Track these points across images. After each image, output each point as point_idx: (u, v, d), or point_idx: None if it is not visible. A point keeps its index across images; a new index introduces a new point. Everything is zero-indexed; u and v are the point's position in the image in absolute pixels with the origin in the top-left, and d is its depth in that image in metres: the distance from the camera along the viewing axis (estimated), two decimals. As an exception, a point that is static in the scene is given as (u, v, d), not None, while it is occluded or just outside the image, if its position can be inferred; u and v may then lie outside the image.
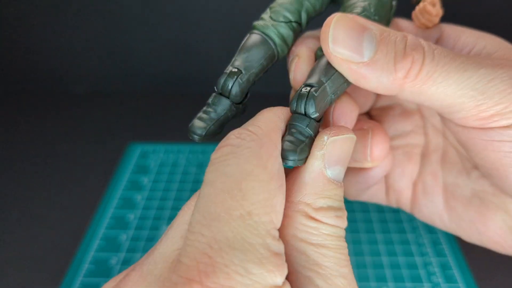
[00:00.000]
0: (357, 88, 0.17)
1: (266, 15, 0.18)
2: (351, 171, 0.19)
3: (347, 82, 0.16)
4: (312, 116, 0.15)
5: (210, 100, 0.16)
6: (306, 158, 0.15)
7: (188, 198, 0.22)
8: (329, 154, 0.14)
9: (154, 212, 0.36)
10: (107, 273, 0.30)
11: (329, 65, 0.15)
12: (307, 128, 0.15)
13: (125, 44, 0.52)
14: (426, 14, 0.18)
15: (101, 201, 0.37)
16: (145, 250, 0.32)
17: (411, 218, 0.35)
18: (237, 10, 0.49)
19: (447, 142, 0.20)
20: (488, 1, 0.47)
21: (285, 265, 0.12)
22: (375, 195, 0.22)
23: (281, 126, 0.15)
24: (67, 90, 0.56)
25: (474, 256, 0.32)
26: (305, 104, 0.15)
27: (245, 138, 0.13)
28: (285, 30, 0.17)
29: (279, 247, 0.12)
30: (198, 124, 0.16)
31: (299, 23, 0.18)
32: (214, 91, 0.17)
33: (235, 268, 0.11)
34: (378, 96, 0.21)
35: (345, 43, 0.14)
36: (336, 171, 0.14)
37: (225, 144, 0.14)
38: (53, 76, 0.55)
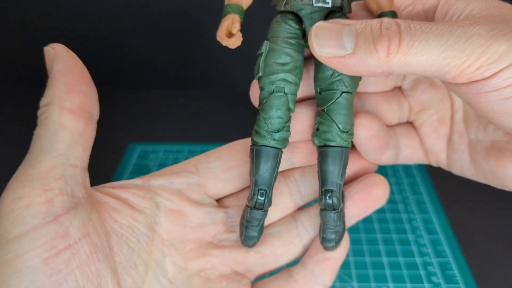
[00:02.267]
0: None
1: (261, 129, 0.19)
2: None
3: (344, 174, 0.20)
4: (338, 208, 0.19)
5: (248, 216, 0.20)
6: (339, 241, 0.20)
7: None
8: None
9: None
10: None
11: (338, 164, 0.19)
12: (338, 221, 0.20)
13: (126, 44, 0.52)
14: None
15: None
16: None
17: (411, 218, 0.35)
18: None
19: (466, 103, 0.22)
20: None
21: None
22: (412, 157, 0.24)
23: None
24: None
25: (474, 256, 0.32)
26: (333, 204, 0.19)
27: None
28: (283, 134, 0.19)
29: None
30: (249, 242, 0.20)
31: (291, 114, 0.20)
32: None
33: None
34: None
35: (328, 44, 0.16)
36: None
37: None
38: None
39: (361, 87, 0.21)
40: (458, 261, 0.32)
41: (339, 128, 0.19)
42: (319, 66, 0.19)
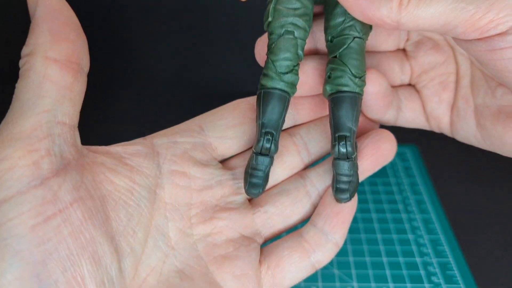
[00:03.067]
0: (379, 30, 0.20)
1: (270, 71, 0.19)
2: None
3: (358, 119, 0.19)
4: (352, 157, 0.19)
5: (254, 162, 0.19)
6: (354, 193, 0.20)
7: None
8: None
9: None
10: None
11: (351, 109, 0.18)
12: (351, 171, 0.19)
13: (126, 44, 0.52)
14: None
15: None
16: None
17: (411, 218, 0.35)
18: (241, 11, 0.49)
19: (473, 66, 0.21)
20: None
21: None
22: (413, 121, 0.23)
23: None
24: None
25: (474, 257, 0.32)
26: (346, 152, 0.19)
27: None
28: (292, 77, 0.19)
29: None
30: (254, 191, 0.19)
31: (299, 61, 0.19)
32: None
33: None
34: (408, 33, 0.23)
35: None
36: None
37: None
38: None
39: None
40: (458, 261, 0.32)
41: (352, 72, 0.19)
42: (330, 13, 0.19)
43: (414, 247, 0.33)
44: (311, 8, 0.19)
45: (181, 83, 0.55)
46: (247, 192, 0.20)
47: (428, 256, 0.32)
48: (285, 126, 0.21)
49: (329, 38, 0.19)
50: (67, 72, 0.15)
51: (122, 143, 0.19)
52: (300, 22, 0.19)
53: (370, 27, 0.19)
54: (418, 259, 0.32)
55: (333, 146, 0.19)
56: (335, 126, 0.19)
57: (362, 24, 0.19)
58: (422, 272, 0.31)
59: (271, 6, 0.19)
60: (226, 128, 0.21)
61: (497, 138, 0.20)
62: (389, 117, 0.23)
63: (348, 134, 0.18)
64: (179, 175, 0.19)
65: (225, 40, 0.51)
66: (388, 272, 0.31)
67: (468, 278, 0.30)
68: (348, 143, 0.18)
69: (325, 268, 0.31)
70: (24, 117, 0.15)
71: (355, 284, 0.30)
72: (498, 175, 0.40)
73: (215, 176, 0.20)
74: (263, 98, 0.19)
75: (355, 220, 0.35)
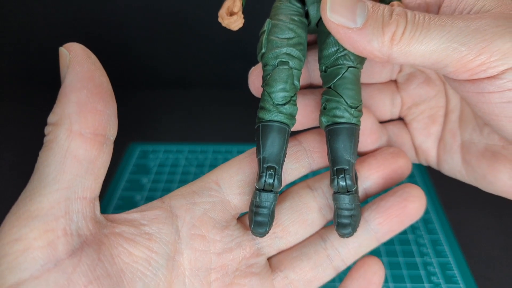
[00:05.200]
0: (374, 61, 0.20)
1: (267, 103, 0.18)
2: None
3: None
4: (352, 190, 0.18)
5: (257, 200, 0.18)
6: (356, 227, 0.19)
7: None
8: None
9: (154, 212, 0.36)
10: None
11: (349, 141, 0.18)
12: (352, 204, 0.18)
13: (126, 44, 0.52)
14: None
15: (101, 201, 0.37)
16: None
17: (411, 218, 0.35)
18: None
19: (463, 101, 0.21)
20: None
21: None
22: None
23: None
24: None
25: (474, 256, 0.32)
26: (346, 185, 0.18)
27: None
28: (290, 108, 0.18)
29: None
30: (260, 230, 0.19)
31: (296, 92, 0.19)
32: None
33: None
34: (401, 65, 0.23)
35: (341, 11, 0.16)
36: None
37: None
38: (53, 76, 0.55)
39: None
40: (458, 261, 0.32)
41: (347, 103, 0.18)
42: (323, 43, 0.19)
43: (414, 247, 0.33)
44: (304, 37, 0.19)
45: (181, 82, 0.55)
46: (253, 232, 0.19)
47: (428, 256, 0.32)
48: (301, 173, 0.20)
49: (323, 68, 0.19)
50: (91, 145, 0.15)
51: (140, 207, 0.19)
52: (294, 51, 0.18)
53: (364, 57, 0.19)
54: (418, 259, 0.32)
55: (332, 180, 0.18)
56: (333, 159, 0.18)
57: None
58: (422, 272, 0.31)
59: (264, 37, 0.18)
60: (244, 184, 0.20)
61: (481, 176, 0.20)
62: None
63: (346, 167, 0.18)
64: (199, 239, 0.19)
65: (222, 42, 0.51)
66: (388, 272, 0.31)
67: (468, 278, 0.30)
68: (347, 176, 0.18)
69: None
70: (43, 193, 0.14)
71: (355, 284, 0.30)
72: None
73: (234, 237, 0.20)
74: (262, 131, 0.18)
75: (355, 220, 0.35)
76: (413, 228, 0.34)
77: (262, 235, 0.19)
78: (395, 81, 0.23)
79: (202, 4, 0.48)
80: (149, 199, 0.37)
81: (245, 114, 0.49)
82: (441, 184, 0.39)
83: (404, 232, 0.34)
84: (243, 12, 0.18)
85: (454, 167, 0.21)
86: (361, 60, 0.18)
